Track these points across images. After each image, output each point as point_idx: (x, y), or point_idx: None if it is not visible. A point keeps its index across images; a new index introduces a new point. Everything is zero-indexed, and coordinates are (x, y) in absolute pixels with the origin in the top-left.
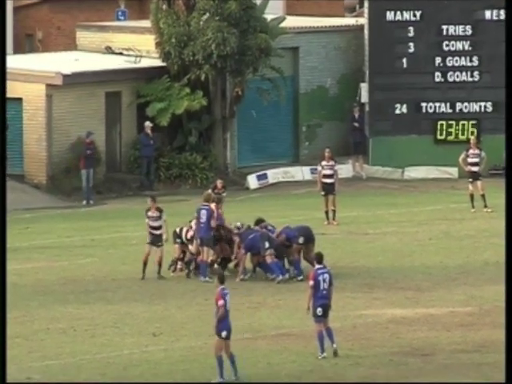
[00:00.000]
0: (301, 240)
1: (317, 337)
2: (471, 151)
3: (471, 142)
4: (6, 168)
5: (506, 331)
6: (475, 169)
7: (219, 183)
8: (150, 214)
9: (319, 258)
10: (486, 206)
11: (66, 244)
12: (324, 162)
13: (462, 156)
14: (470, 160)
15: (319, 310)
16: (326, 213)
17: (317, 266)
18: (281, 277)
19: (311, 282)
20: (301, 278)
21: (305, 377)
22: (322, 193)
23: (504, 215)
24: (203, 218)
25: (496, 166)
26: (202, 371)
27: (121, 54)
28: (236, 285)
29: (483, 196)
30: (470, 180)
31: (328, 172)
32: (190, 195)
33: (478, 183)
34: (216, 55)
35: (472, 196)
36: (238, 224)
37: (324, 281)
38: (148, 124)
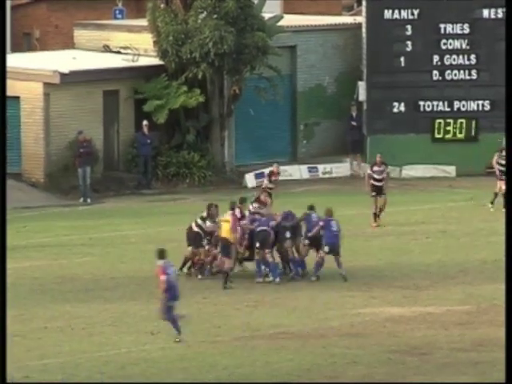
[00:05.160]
0: (257, 244)
1: (315, 262)
2: (504, 152)
3: (504, 144)
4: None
5: (506, 330)
6: (504, 168)
7: (275, 167)
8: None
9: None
10: (492, 203)
11: (64, 242)
12: (376, 168)
13: (496, 158)
14: (500, 161)
15: (326, 248)
16: (375, 214)
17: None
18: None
19: (321, 223)
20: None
21: (303, 375)
22: (373, 193)
23: (501, 214)
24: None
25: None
26: (199, 370)
27: (118, 52)
28: (234, 283)
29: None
30: (502, 178)
31: (378, 177)
32: (187, 194)
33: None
34: (213, 53)
35: (496, 195)
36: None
37: (333, 226)
38: (145, 123)
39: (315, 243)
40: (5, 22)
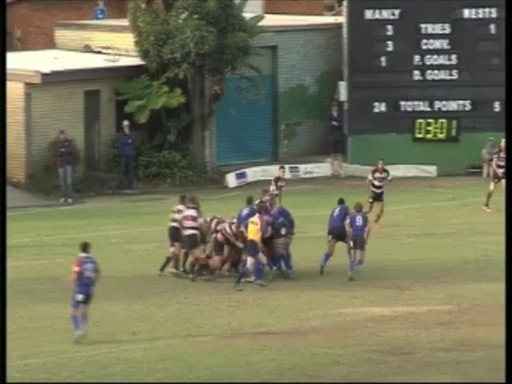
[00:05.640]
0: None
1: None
2: (502, 154)
3: (502, 145)
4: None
5: (506, 330)
6: (503, 170)
7: (281, 172)
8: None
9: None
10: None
11: (46, 243)
12: (377, 174)
13: (495, 160)
14: (500, 163)
15: (351, 243)
16: None
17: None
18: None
19: (348, 219)
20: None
21: (284, 375)
22: (370, 200)
23: (483, 213)
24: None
25: (474, 165)
26: (181, 370)
27: (99, 52)
28: (216, 283)
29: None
30: (496, 180)
31: (378, 183)
32: (168, 194)
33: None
34: (194, 53)
35: (490, 195)
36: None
37: (358, 220)
38: (126, 123)
39: (339, 238)
40: (5, 22)
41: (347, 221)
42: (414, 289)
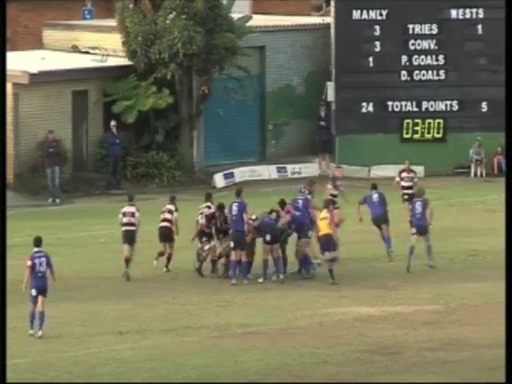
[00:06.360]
0: (231, 244)
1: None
2: None
3: None
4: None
5: (506, 330)
6: None
7: (338, 171)
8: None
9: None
10: None
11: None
12: (404, 174)
13: None
14: None
15: (414, 230)
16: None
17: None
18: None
19: (410, 206)
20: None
21: (271, 375)
22: (406, 197)
23: (467, 213)
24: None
25: (462, 165)
26: (168, 370)
27: (87, 52)
28: (204, 283)
29: None
30: None
31: (407, 184)
32: (156, 194)
33: None
34: (182, 54)
35: None
36: (253, 216)
37: (418, 207)
38: (113, 123)
39: (379, 224)
40: (5, 22)
41: (409, 207)
42: (401, 289)
